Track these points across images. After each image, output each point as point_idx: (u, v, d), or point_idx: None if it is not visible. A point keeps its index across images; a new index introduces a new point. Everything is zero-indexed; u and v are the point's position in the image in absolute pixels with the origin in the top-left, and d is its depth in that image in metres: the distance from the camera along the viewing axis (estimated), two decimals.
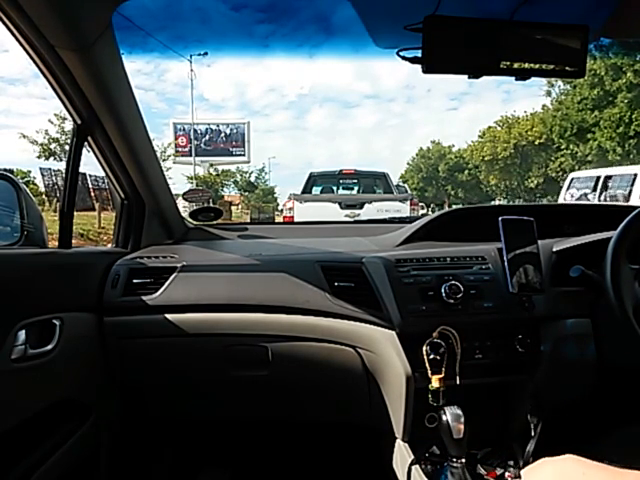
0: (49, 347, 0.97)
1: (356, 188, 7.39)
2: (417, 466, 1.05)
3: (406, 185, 16.68)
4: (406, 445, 1.10)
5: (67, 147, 1.19)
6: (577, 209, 1.59)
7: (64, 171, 1.18)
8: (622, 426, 1.04)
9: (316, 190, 7.08)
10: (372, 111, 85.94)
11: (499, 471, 1.09)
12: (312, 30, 1.18)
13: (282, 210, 6.74)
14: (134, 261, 1.24)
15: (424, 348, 1.04)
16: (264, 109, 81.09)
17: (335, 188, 7.30)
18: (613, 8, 0.95)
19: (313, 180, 7.10)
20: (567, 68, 0.92)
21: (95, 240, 8.15)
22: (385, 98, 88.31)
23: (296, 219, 5.27)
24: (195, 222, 1.65)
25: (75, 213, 1.17)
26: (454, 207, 1.95)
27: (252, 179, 29.23)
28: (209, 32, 1.31)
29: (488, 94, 75.52)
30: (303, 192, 6.77)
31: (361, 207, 5.37)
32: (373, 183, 7.24)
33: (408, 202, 5.48)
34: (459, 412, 0.97)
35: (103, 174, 1.31)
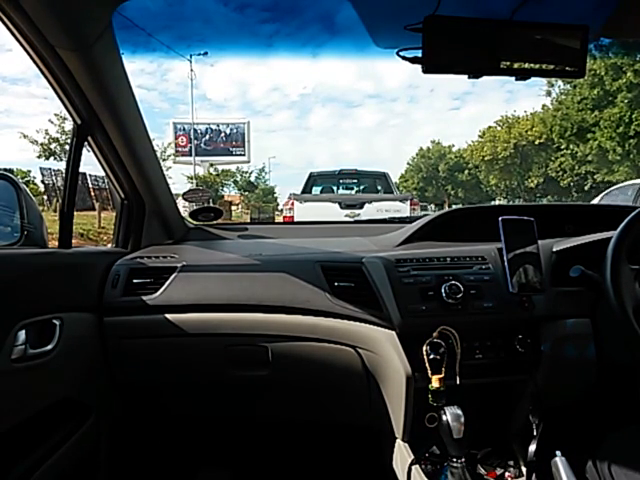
0: (49, 347, 0.97)
1: (356, 188, 7.36)
2: (417, 466, 1.05)
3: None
4: (406, 445, 1.10)
5: (67, 147, 1.20)
6: (577, 209, 1.59)
7: (64, 171, 1.18)
8: (621, 426, 1.04)
9: (316, 190, 7.02)
10: (374, 111, 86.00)
11: (499, 471, 1.09)
12: (316, 29, 1.17)
13: (282, 210, 6.72)
14: (134, 261, 1.24)
15: (424, 348, 1.04)
16: (266, 109, 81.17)
17: (335, 188, 7.22)
18: (613, 8, 0.95)
19: (313, 180, 7.04)
20: (567, 68, 0.92)
21: (95, 240, 8.16)
22: (388, 98, 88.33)
23: (296, 219, 5.24)
24: (195, 222, 1.65)
25: (75, 213, 1.17)
26: (454, 207, 1.95)
27: (252, 179, 29.25)
28: (212, 32, 1.31)
29: (491, 94, 75.70)
30: (303, 192, 6.71)
31: (361, 207, 5.31)
32: (373, 183, 7.20)
33: (408, 202, 5.41)
34: (459, 412, 0.97)
35: (103, 174, 1.31)
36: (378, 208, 5.33)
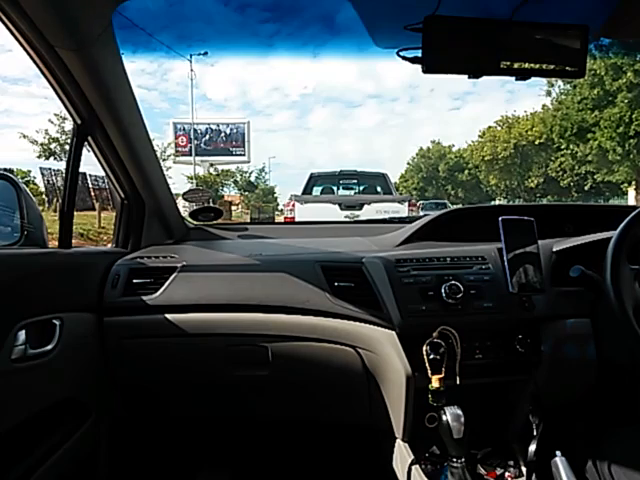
0: (49, 347, 0.97)
1: (356, 188, 7.47)
2: (417, 466, 1.05)
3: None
4: (406, 445, 1.10)
5: (67, 147, 1.20)
6: (577, 209, 1.59)
7: (64, 171, 1.18)
8: (622, 426, 1.04)
9: (317, 190, 7.16)
10: (375, 111, 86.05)
11: (499, 471, 1.09)
12: (316, 29, 1.17)
13: (282, 210, 6.81)
14: (134, 261, 1.24)
15: (424, 348, 1.04)
16: (267, 109, 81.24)
17: (335, 188, 7.36)
18: (613, 8, 0.95)
19: (314, 180, 7.16)
20: (567, 68, 0.92)
21: (95, 240, 8.16)
22: (388, 97, 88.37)
23: (297, 220, 5.32)
24: (195, 222, 1.65)
25: (75, 213, 1.17)
26: (454, 207, 1.95)
27: (252, 179, 29.25)
28: (213, 32, 1.30)
29: (492, 94, 75.72)
30: (304, 192, 6.84)
31: (360, 208, 5.43)
32: (372, 183, 7.24)
33: (406, 203, 5.50)
34: (459, 412, 0.97)
35: (103, 174, 1.31)
36: (377, 209, 5.43)
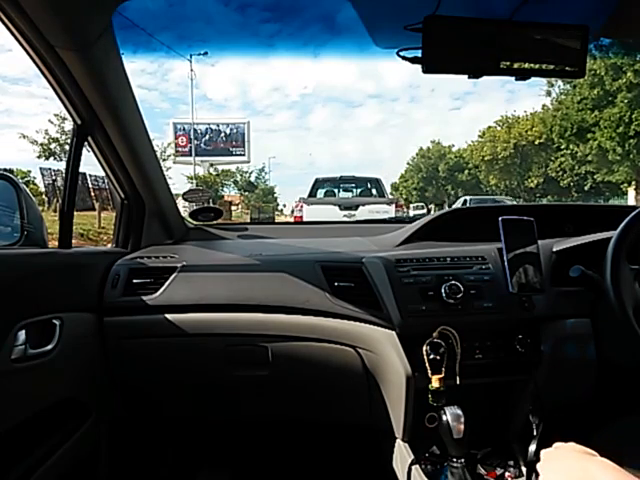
0: (49, 347, 0.97)
1: (354, 191, 8.69)
2: (417, 466, 1.05)
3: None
4: (406, 445, 1.10)
5: (67, 147, 1.20)
6: (577, 209, 1.58)
7: (64, 171, 1.18)
8: (622, 424, 1.04)
9: (320, 193, 8.40)
10: (375, 111, 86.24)
11: (499, 471, 1.09)
12: (317, 29, 1.17)
13: (282, 210, 7.65)
14: (134, 261, 1.24)
15: (424, 348, 1.04)
16: (267, 109, 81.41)
17: (336, 191, 8.67)
18: (613, 8, 0.95)
19: (319, 184, 8.39)
20: (567, 68, 0.92)
21: (95, 240, 8.16)
22: (389, 97, 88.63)
23: (304, 219, 6.22)
24: (195, 222, 1.65)
25: (75, 213, 1.17)
26: (454, 207, 1.95)
27: (252, 179, 29.27)
28: (213, 32, 1.30)
29: (492, 94, 75.79)
30: (310, 194, 8.05)
31: (356, 209, 6.42)
32: (368, 186, 8.42)
33: (393, 205, 6.53)
34: (459, 412, 0.97)
35: (103, 174, 1.31)
36: (370, 210, 6.41)
